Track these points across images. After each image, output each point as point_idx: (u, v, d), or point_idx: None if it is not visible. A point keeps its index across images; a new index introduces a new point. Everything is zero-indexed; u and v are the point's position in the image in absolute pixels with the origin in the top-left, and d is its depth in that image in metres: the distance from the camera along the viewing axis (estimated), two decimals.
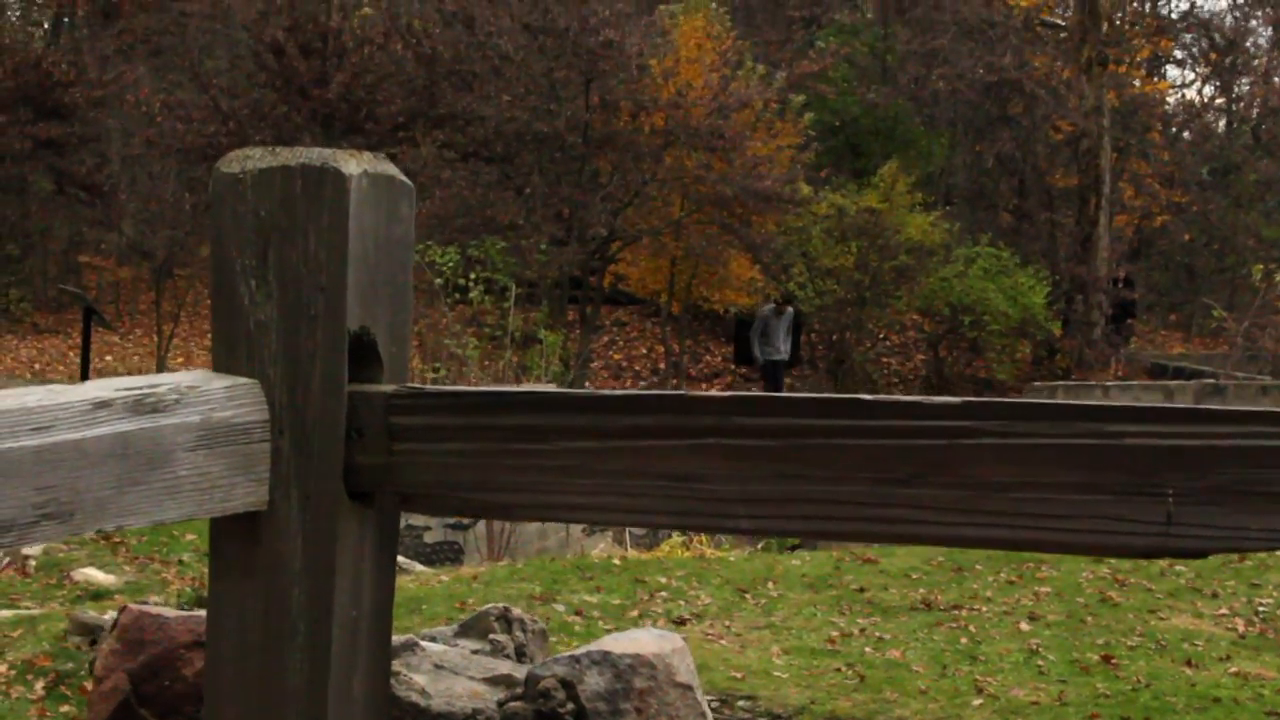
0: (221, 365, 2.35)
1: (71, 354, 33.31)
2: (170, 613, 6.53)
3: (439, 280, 24.17)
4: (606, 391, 2.25)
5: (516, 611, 8.19)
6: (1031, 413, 2.12)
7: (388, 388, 2.35)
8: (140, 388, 2.16)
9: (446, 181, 28.55)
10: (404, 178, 2.37)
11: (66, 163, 35.48)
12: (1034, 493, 2.12)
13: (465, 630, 8.04)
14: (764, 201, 28.59)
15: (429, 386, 2.34)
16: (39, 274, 40.21)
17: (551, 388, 24.58)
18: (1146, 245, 45.97)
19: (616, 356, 38.84)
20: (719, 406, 2.21)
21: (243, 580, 2.35)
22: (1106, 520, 2.10)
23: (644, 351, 39.19)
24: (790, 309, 30.63)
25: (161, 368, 32.32)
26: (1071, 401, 2.14)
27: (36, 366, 34.26)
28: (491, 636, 7.96)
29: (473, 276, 25.25)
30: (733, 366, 38.85)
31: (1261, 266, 35.54)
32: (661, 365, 34.28)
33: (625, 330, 40.45)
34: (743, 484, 2.21)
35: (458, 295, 25.42)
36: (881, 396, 2.17)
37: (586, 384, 32.21)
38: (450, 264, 24.73)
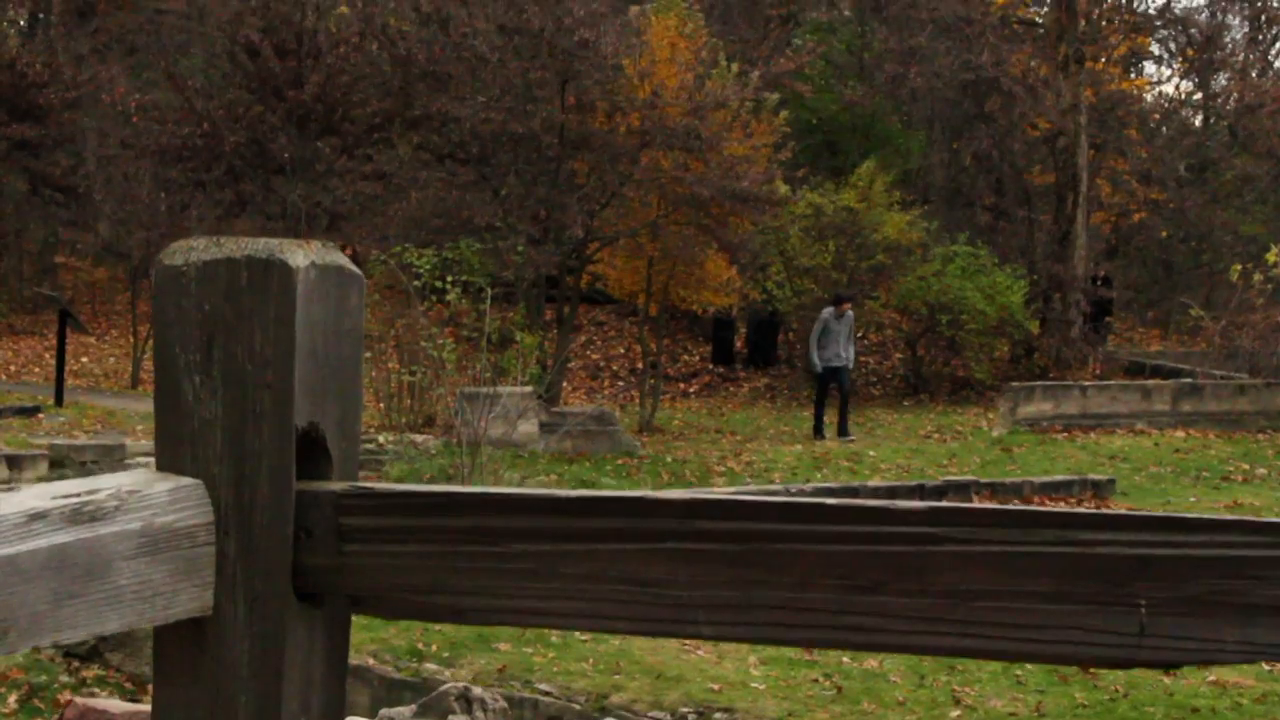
0: (165, 463, 2.28)
1: (47, 356, 33.20)
2: (116, 707, 6.42)
3: (416, 283, 24.09)
4: (562, 493, 2.19)
5: (477, 691, 8.13)
6: (1000, 519, 2.06)
7: (337, 486, 2.28)
8: (78, 495, 2.08)
9: (423, 183, 28.46)
10: (353, 267, 2.30)
11: (41, 164, 35.41)
12: (1002, 602, 2.06)
13: (424, 711, 7.98)
14: (741, 202, 28.52)
15: (379, 486, 2.27)
16: (14, 275, 40.10)
17: (527, 388, 24.55)
18: (1124, 242, 46.05)
19: (594, 356, 38.82)
20: (679, 509, 2.14)
21: (188, 687, 2.27)
22: (1078, 631, 2.04)
23: (622, 351, 39.18)
24: (850, 309, 29.26)
25: (137, 369, 32.23)
26: (1041, 508, 2.07)
27: (12, 368, 34.16)
28: (451, 718, 7.90)
29: (449, 279, 25.19)
30: (710, 366, 38.85)
31: (1239, 266, 35.52)
32: (639, 365, 34.24)
33: (603, 330, 40.43)
34: (703, 589, 2.15)
35: (434, 297, 25.37)
36: (846, 501, 2.10)
37: (564, 385, 32.16)
38: (427, 266, 24.66)
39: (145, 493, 2.16)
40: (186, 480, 2.23)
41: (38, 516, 2.02)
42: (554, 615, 2.24)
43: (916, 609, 2.08)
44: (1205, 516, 2.01)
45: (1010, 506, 2.09)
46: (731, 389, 37.13)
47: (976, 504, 2.32)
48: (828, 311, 28.73)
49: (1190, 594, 2.00)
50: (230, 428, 2.23)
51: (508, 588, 2.22)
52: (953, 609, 2.07)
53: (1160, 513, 2.05)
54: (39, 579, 2.00)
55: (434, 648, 12.43)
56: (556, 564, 2.19)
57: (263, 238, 2.24)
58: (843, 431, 28.18)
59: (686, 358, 39.54)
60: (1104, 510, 2.06)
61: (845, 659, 12.13)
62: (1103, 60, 41.55)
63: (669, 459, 25.58)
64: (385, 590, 2.29)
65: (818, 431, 28.35)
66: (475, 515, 2.22)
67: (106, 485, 2.13)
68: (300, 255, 2.21)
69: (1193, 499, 22.22)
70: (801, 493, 20.21)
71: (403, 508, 2.26)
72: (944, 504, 2.08)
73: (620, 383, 37.15)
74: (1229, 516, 2.04)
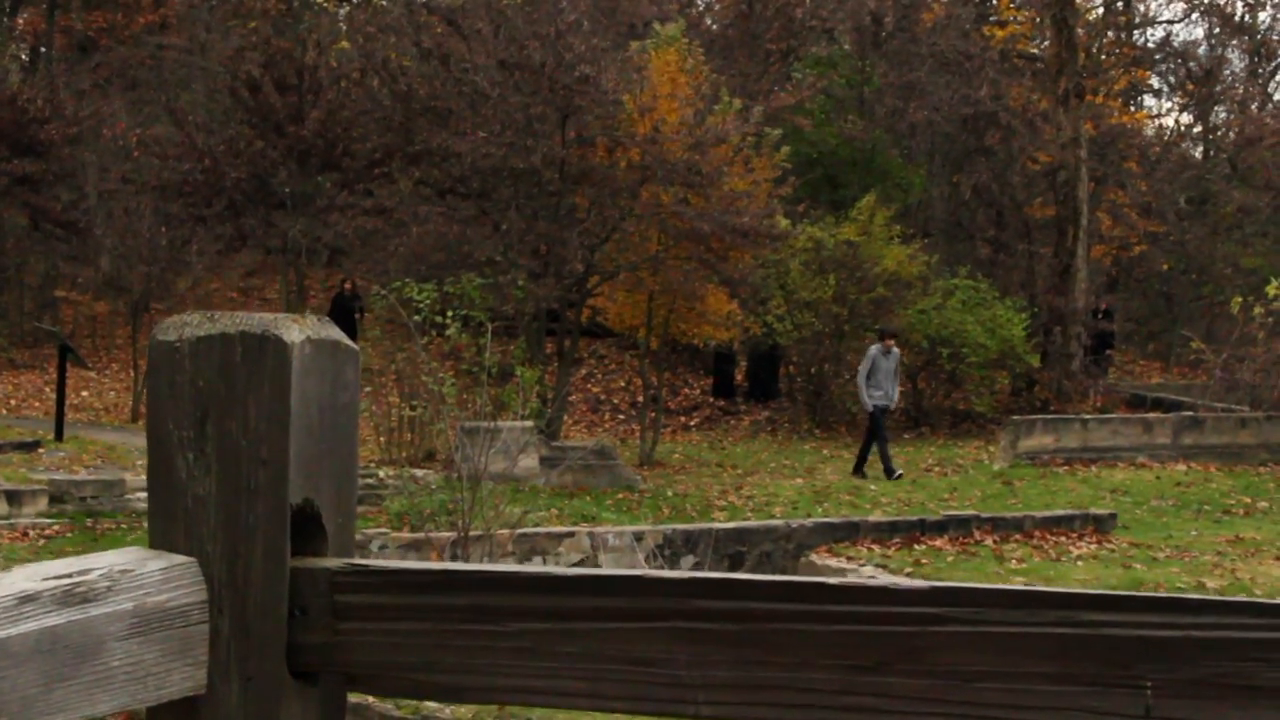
0: (158, 540, 2.25)
1: (48, 390, 33.21)
2: None
3: (416, 317, 24.09)
4: (559, 571, 2.16)
5: None
6: (1004, 600, 2.04)
7: (332, 563, 2.26)
8: (70, 576, 2.06)
9: (423, 217, 28.46)
10: (349, 342, 2.28)
11: (42, 199, 35.44)
12: (1006, 683, 2.03)
13: None
14: (741, 237, 28.52)
15: (375, 563, 2.24)
16: (15, 309, 40.13)
17: (527, 422, 24.53)
18: (1125, 274, 46.08)
19: (595, 389, 38.82)
20: (678, 588, 2.12)
21: None
22: (1082, 713, 2.01)
23: (622, 384, 39.17)
24: (895, 346, 28.35)
25: (137, 403, 32.23)
26: (1046, 589, 2.05)
27: (13, 402, 34.16)
28: None
29: (449, 314, 25.20)
30: (711, 399, 38.84)
31: (1240, 299, 35.52)
32: (640, 398, 34.23)
33: (604, 363, 40.43)
34: (703, 669, 2.13)
35: (435, 332, 25.37)
36: (848, 581, 2.08)
37: (565, 418, 32.15)
38: (427, 300, 24.67)
39: (137, 572, 2.14)
40: (179, 558, 2.21)
41: (28, 599, 2.00)
42: (552, 694, 2.21)
43: (919, 690, 2.06)
44: (1210, 598, 1.99)
45: (1013, 587, 2.06)
46: (732, 422, 37.12)
47: (978, 584, 2.29)
48: (875, 349, 27.76)
49: (1195, 676, 1.97)
50: (224, 504, 2.21)
51: (505, 666, 2.20)
52: (955, 690, 2.05)
53: (1164, 594, 2.02)
54: (29, 662, 1.98)
55: None
56: (554, 643, 2.17)
57: (257, 314, 2.21)
58: (858, 469, 27.69)
59: (687, 391, 39.54)
60: (1109, 592, 2.04)
61: None
62: (1102, 94, 41.61)
63: (670, 493, 25.55)
64: (382, 668, 2.26)
65: (889, 472, 27.20)
66: (472, 594, 2.20)
67: (98, 565, 2.10)
68: (295, 330, 2.19)
69: (1194, 533, 22.17)
70: (802, 527, 20.21)
71: (399, 586, 2.24)
72: (946, 584, 2.06)
73: (621, 416, 37.14)
74: (1234, 598, 2.01)
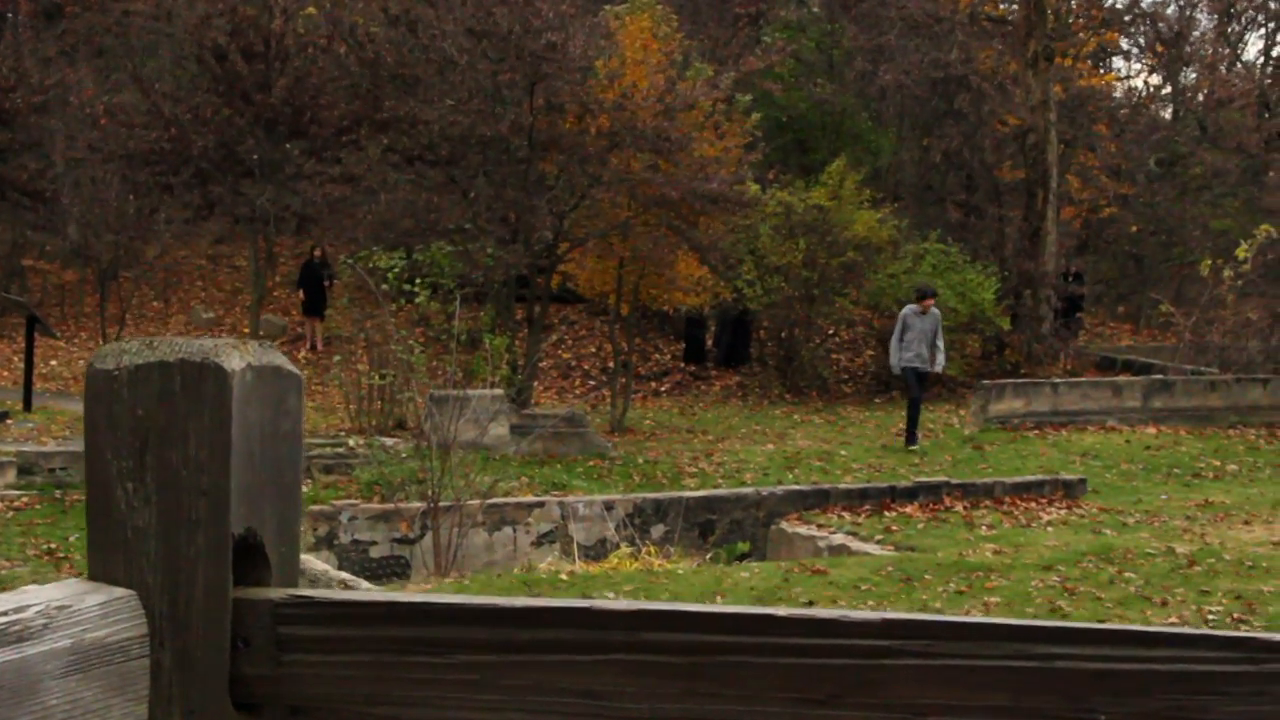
0: (97, 572, 2.21)
1: (16, 359, 33.06)
2: None
3: (385, 286, 24.01)
4: (506, 603, 2.13)
5: None
6: (956, 632, 2.01)
7: (276, 594, 2.22)
8: (5, 614, 2.01)
9: (391, 185, 28.36)
10: (292, 367, 2.24)
11: (8, 168, 35.21)
12: (958, 717, 2.01)
13: None
14: (711, 203, 28.46)
15: (320, 594, 2.20)
16: None
17: (497, 390, 24.48)
18: (1094, 236, 46.09)
19: (565, 355, 38.76)
20: (625, 620, 2.09)
21: None
22: None
23: (593, 350, 39.11)
24: (934, 306, 26.68)
25: None
26: (999, 620, 2.02)
27: None
28: None
29: (418, 281, 25.12)
30: (682, 364, 38.80)
31: (1209, 261, 35.57)
32: (610, 364, 34.19)
33: (574, 329, 40.35)
34: (651, 701, 2.10)
35: (404, 300, 25.30)
36: (797, 612, 2.05)
37: (535, 384, 32.11)
38: (395, 269, 24.58)
39: (75, 608, 2.09)
40: (119, 591, 2.17)
41: None
42: None
43: None
44: (1167, 630, 1.96)
45: (967, 619, 2.03)
46: (703, 388, 37.10)
47: (931, 615, 2.25)
48: (908, 309, 26.33)
49: (1150, 710, 1.95)
50: (164, 536, 2.17)
51: (451, 699, 2.16)
52: None
53: (1121, 626, 1.99)
54: None
55: None
56: (500, 675, 2.14)
57: (197, 340, 2.17)
58: (911, 440, 26.42)
59: (658, 356, 39.50)
60: (1063, 624, 2.01)
61: None
62: (1071, 56, 41.56)
63: (640, 460, 25.54)
64: (326, 701, 2.23)
65: (911, 438, 26.51)
66: (417, 625, 2.17)
67: (34, 602, 2.06)
68: (236, 358, 2.15)
69: (1164, 497, 22.20)
70: (772, 495, 20.19)
71: (343, 617, 2.20)
72: (898, 615, 2.03)
73: (591, 381, 37.10)
74: (1191, 630, 1.99)
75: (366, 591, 2.37)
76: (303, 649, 2.20)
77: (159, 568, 2.18)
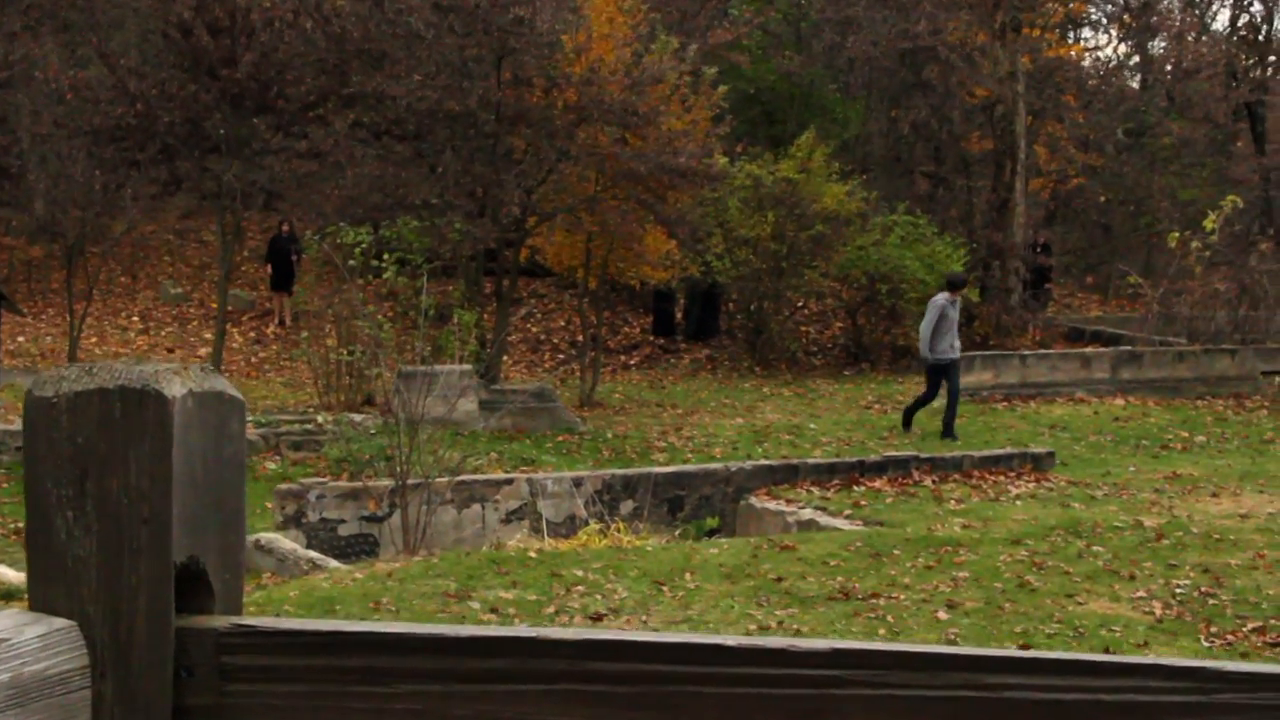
0: (38, 603, 2.18)
1: None
2: None
3: (352, 262, 23.94)
4: (451, 632, 2.11)
5: None
6: (906, 662, 1.99)
7: (219, 623, 2.19)
8: None
9: (359, 160, 28.26)
10: (234, 391, 2.21)
11: None
12: None
13: None
14: (679, 177, 28.41)
15: (263, 623, 2.18)
16: None
17: (466, 366, 24.45)
18: (1063, 207, 46.15)
19: (534, 329, 38.73)
20: (572, 650, 2.07)
21: None
22: None
23: (562, 324, 39.09)
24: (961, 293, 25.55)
25: (74, 348, 31.99)
26: (948, 650, 2.00)
27: None
28: None
29: (386, 256, 25.03)
30: (651, 338, 38.81)
31: (1177, 233, 35.64)
32: (580, 337, 34.16)
33: (543, 302, 40.32)
34: None
35: (372, 275, 25.23)
36: (745, 641, 2.03)
37: (504, 358, 32.08)
38: (362, 245, 24.50)
39: (13, 641, 2.06)
40: (59, 622, 2.14)
41: None
42: None
43: None
44: (1118, 660, 1.94)
45: (917, 648, 2.01)
46: (672, 361, 37.10)
47: (881, 644, 2.21)
48: (943, 297, 24.83)
49: None
50: (105, 565, 2.14)
51: None
52: None
53: (1071, 655, 1.97)
54: None
55: None
56: (446, 706, 2.11)
57: (138, 366, 2.14)
58: (948, 433, 24.85)
59: (627, 330, 39.49)
60: (1015, 653, 1.99)
61: None
62: (1039, 26, 41.54)
63: (609, 434, 25.53)
64: None
65: (907, 424, 25.48)
66: (363, 655, 2.14)
67: None
68: (176, 384, 2.12)
69: (1132, 469, 22.27)
70: (741, 470, 20.17)
71: (287, 647, 2.18)
72: (848, 645, 2.01)
73: (560, 355, 37.08)
74: (1142, 660, 1.97)
75: (311, 620, 2.33)
76: (246, 679, 2.18)
77: (100, 598, 2.15)
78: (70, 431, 2.15)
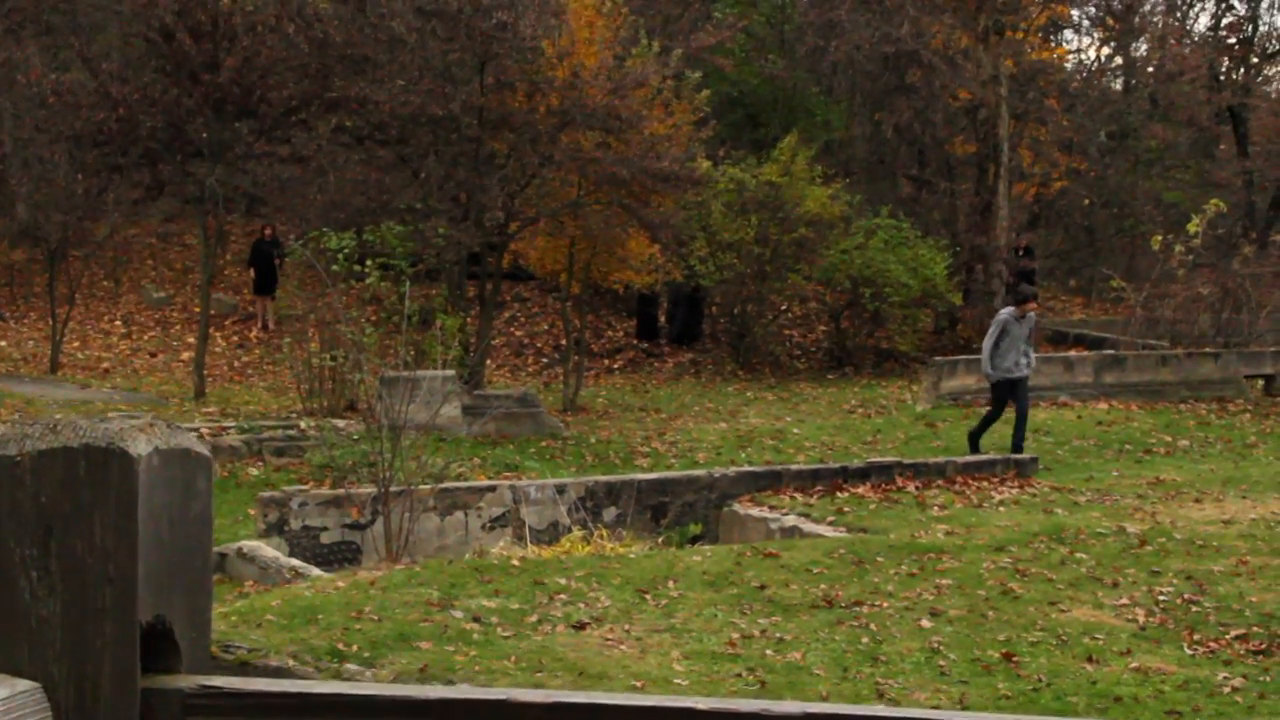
0: (2, 664, 2.16)
1: None
2: None
3: (335, 267, 23.90)
4: (419, 694, 2.08)
5: None
6: None
7: (185, 683, 2.17)
8: None
9: (341, 165, 28.23)
10: (201, 448, 2.19)
11: None
12: None
13: None
14: (662, 181, 28.40)
15: (230, 684, 2.16)
16: None
17: (449, 371, 24.41)
18: (1047, 209, 46.19)
19: (518, 333, 38.71)
20: (542, 712, 2.05)
21: None
22: None
23: (546, 327, 39.08)
24: (1033, 309, 24.09)
25: (56, 354, 31.96)
26: (918, 713, 1.98)
27: None
28: None
29: (369, 262, 25.01)
30: (635, 341, 38.79)
31: (1160, 236, 35.67)
32: (563, 341, 34.15)
33: (527, 306, 40.31)
34: None
35: (355, 280, 25.18)
36: (715, 704, 2.01)
37: (488, 362, 32.05)
38: (345, 249, 24.46)
39: None
40: (22, 684, 2.12)
41: None
42: None
43: None
44: None
45: (886, 712, 2.00)
46: (656, 365, 37.09)
47: (851, 707, 2.16)
48: (1007, 312, 23.78)
49: None
50: (70, 625, 2.12)
51: None
52: None
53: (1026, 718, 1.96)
54: None
55: (354, 648, 12.28)
56: None
57: (104, 424, 2.12)
58: (1017, 448, 23.45)
59: (611, 334, 39.48)
60: (991, 717, 1.98)
61: (768, 651, 12.08)
62: (1022, 30, 41.59)
63: (593, 440, 25.51)
64: None
65: (974, 445, 23.77)
66: (330, 716, 2.12)
67: None
68: (142, 442, 2.10)
69: (1115, 474, 22.29)
70: (724, 476, 20.14)
71: (254, 708, 2.16)
72: (819, 709, 1.99)
73: (544, 359, 37.06)
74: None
75: (278, 680, 2.31)
76: None
77: (65, 658, 2.13)
78: (34, 491, 2.13)
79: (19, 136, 35.24)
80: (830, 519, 18.38)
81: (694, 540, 18.46)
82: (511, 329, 38.71)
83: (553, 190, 29.40)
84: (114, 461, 2.09)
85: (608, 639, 12.42)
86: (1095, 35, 50.67)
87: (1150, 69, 49.60)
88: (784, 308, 38.50)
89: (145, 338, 37.11)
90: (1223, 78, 50.56)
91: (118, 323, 38.25)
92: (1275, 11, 58.51)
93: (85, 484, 2.10)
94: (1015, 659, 11.90)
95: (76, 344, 35.33)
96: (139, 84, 29.01)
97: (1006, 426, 23.60)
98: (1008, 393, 23.66)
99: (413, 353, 24.05)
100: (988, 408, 24.57)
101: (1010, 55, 39.53)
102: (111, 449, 2.09)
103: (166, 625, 2.15)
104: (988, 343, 23.72)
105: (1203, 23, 62.85)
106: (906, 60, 40.19)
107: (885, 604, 13.46)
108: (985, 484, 20.65)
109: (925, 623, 12.87)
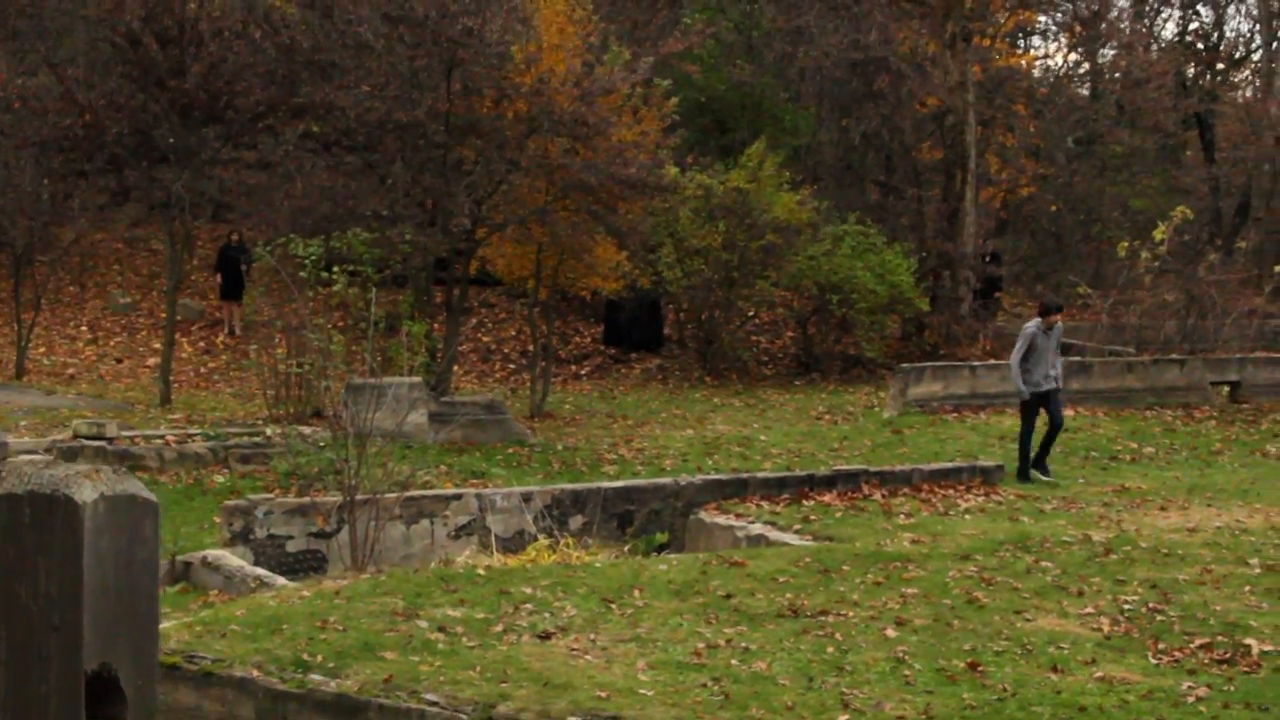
0: None
1: None
2: None
3: (303, 273, 23.87)
4: None
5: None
6: None
7: None
8: None
9: (308, 171, 28.18)
10: (147, 494, 2.18)
11: None
12: None
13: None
14: (629, 188, 28.40)
15: None
16: None
17: (416, 378, 24.38)
18: (1014, 215, 46.35)
19: (485, 339, 38.69)
20: None
21: None
22: None
23: (513, 333, 39.07)
24: (1059, 320, 23.34)
25: (22, 360, 31.86)
26: None
27: None
28: None
29: (335, 269, 24.95)
30: (602, 348, 38.80)
31: (1126, 243, 35.79)
32: (530, 347, 34.14)
33: (494, 312, 40.30)
34: None
35: (321, 287, 25.13)
36: None
37: (455, 368, 32.01)
38: (312, 257, 24.39)
39: None
40: None
41: None
42: None
43: None
44: None
45: None
46: (623, 370, 37.10)
47: None
48: (1033, 324, 23.07)
49: None
50: (14, 674, 2.11)
51: None
52: None
53: None
54: None
55: (319, 658, 12.26)
56: None
57: (49, 471, 2.11)
58: (1039, 464, 22.83)
59: (578, 339, 39.49)
60: None
61: (734, 661, 12.08)
62: (990, 36, 41.72)
63: (560, 446, 25.50)
64: None
65: (1023, 474, 22.60)
66: None
67: None
68: (88, 489, 2.09)
69: (1081, 481, 22.34)
70: (691, 484, 20.14)
71: None
72: None
73: (511, 365, 37.04)
74: None
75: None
76: None
77: (8, 707, 2.12)
78: None
79: None
80: (796, 527, 18.39)
81: (660, 549, 18.45)
82: (479, 335, 38.68)
83: (520, 196, 29.36)
84: (59, 508, 2.09)
85: (573, 649, 12.41)
86: (1062, 41, 50.85)
87: (1117, 75, 49.76)
88: (751, 314, 38.53)
89: (111, 343, 37.00)
90: (1189, 84, 50.78)
91: (84, 328, 38.14)
92: (1241, 18, 58.88)
93: (30, 531, 2.09)
94: (980, 668, 11.92)
95: (42, 350, 35.23)
96: (105, 89, 28.92)
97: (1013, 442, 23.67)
98: (1037, 409, 23.01)
99: (379, 359, 24.03)
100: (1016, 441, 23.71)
101: (977, 62, 39.65)
102: (56, 496, 2.08)
103: (112, 673, 2.15)
104: (1015, 357, 23.13)
105: (1169, 29, 63.04)
106: (874, 67, 40.25)
107: (851, 613, 13.47)
108: (951, 491, 20.69)
109: (890, 632, 12.89)
